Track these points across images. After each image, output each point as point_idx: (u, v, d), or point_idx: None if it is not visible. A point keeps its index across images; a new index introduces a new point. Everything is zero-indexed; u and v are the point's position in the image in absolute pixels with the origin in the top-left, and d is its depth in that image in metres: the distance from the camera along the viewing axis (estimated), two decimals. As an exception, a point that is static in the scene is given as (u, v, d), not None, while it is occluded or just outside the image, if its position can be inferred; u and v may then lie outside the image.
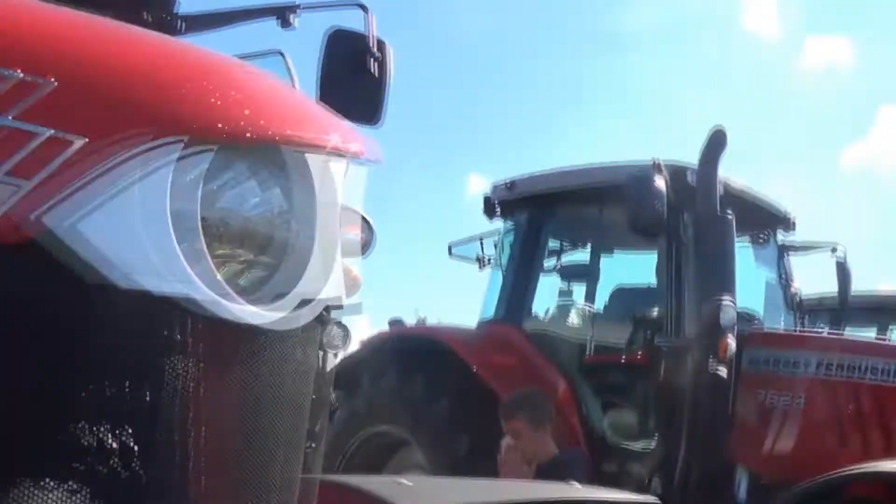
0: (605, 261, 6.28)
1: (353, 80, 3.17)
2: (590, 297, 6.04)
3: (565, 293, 5.98)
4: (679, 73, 34.49)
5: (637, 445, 5.19)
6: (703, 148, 4.90)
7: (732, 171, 5.65)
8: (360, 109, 3.11)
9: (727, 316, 4.61)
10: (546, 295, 5.91)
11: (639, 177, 4.83)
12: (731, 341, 4.62)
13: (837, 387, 4.80)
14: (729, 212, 4.86)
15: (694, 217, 4.98)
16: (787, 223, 5.94)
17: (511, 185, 5.83)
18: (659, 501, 2.17)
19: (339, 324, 3.32)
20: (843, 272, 6.18)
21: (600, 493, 2.24)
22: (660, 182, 4.81)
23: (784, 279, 6.03)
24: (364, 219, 3.77)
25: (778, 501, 4.40)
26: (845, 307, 6.30)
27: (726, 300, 4.63)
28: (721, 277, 4.77)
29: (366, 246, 3.84)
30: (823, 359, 4.86)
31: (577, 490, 2.32)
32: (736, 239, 5.63)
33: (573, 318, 5.86)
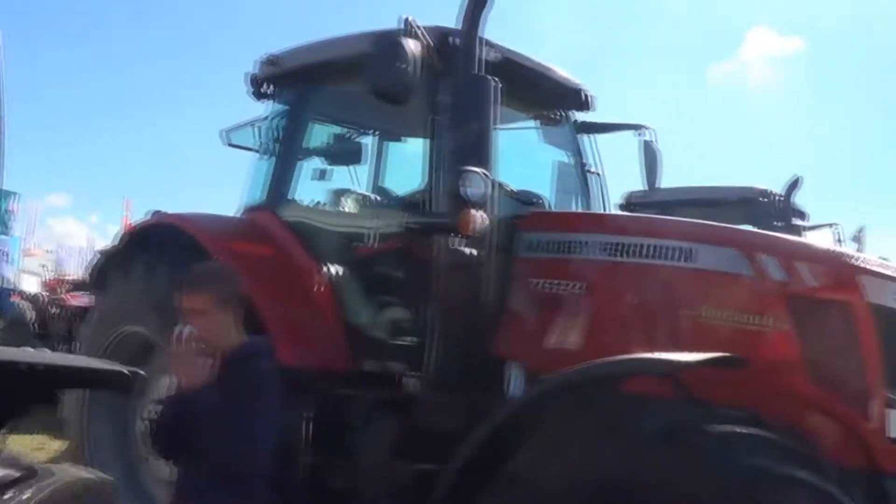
0: (389, 146, 5.75)
1: None
2: (365, 181, 5.51)
3: (329, 176, 5.40)
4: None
5: (396, 339, 4.68)
6: (463, 7, 4.33)
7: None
8: None
9: (474, 188, 4.06)
10: (316, 181, 5.35)
11: (384, 39, 4.24)
12: (479, 216, 4.09)
13: (621, 271, 4.28)
14: (487, 75, 4.29)
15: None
16: (582, 101, 5.41)
17: (274, 61, 5.21)
18: (130, 370, 1.74)
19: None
20: (650, 154, 5.68)
21: (51, 357, 1.81)
22: (411, 45, 4.23)
23: (581, 162, 5.55)
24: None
25: (536, 388, 3.96)
26: (654, 189, 5.86)
27: (474, 170, 4.08)
28: (472, 146, 4.20)
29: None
30: (604, 240, 4.35)
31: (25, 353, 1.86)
32: (513, 114, 5.16)
33: (340, 204, 5.30)
